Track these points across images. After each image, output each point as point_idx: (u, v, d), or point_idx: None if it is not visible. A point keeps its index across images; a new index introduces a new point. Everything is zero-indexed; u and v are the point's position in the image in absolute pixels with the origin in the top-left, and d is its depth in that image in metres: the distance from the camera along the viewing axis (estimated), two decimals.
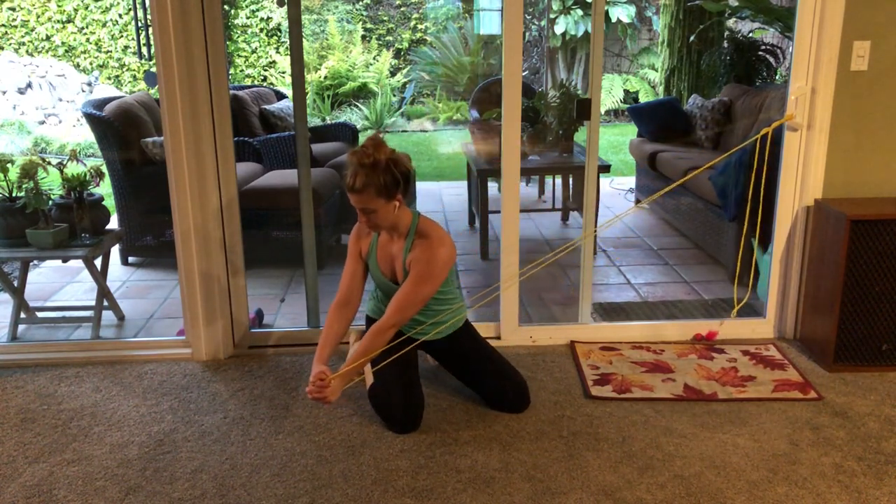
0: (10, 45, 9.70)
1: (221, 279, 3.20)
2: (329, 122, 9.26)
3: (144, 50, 6.78)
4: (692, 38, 6.67)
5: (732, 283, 4.08)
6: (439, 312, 2.76)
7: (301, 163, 3.25)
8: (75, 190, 3.47)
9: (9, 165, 3.46)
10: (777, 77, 6.13)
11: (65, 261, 4.14)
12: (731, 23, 7.11)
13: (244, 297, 3.30)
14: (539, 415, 2.74)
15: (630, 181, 6.33)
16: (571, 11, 9.90)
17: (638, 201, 5.92)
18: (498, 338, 3.35)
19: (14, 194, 3.50)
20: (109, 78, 9.87)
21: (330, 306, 2.78)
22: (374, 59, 10.21)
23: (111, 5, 9.70)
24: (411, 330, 2.75)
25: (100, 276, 3.60)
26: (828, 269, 3.05)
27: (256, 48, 10.07)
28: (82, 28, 9.74)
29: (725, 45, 6.52)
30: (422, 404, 2.68)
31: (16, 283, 3.63)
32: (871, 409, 2.75)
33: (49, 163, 3.49)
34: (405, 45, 10.49)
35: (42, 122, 9.11)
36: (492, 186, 4.79)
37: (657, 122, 5.83)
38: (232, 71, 9.89)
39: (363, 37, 10.36)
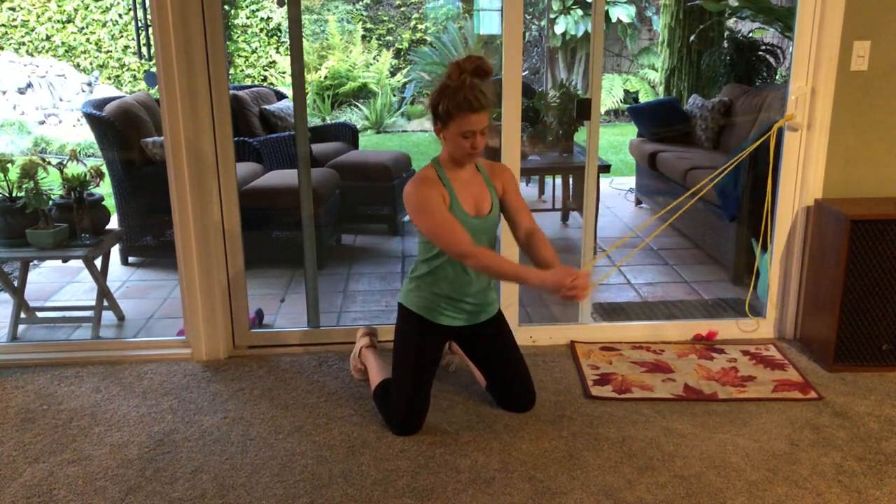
0: (10, 45, 9.70)
1: (221, 279, 3.20)
2: (329, 122, 9.26)
3: (144, 50, 6.78)
4: (692, 38, 6.68)
5: (732, 283, 4.09)
6: (491, 288, 2.75)
7: (301, 163, 3.25)
8: (75, 190, 3.47)
9: (9, 165, 3.46)
10: (777, 77, 6.13)
11: (65, 261, 4.14)
12: (731, 23, 7.11)
13: (244, 297, 3.30)
14: (539, 415, 2.74)
15: (630, 181, 6.33)
16: (571, 11, 9.91)
17: (639, 202, 5.92)
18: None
19: (14, 194, 3.50)
20: (109, 78, 9.88)
21: (471, 251, 2.41)
22: (374, 59, 10.21)
23: (111, 5, 9.70)
24: (474, 303, 2.67)
25: (100, 276, 3.60)
26: (828, 269, 3.05)
27: (256, 48, 10.07)
28: (82, 28, 9.74)
29: (725, 45, 6.52)
30: (425, 411, 2.65)
31: (16, 283, 3.63)
32: (871, 409, 2.75)
33: (49, 163, 3.49)
34: (405, 45, 10.49)
35: (42, 122, 9.11)
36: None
37: (657, 122, 5.83)
38: (232, 71, 9.89)
39: (363, 37, 10.36)
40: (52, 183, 3.53)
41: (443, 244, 2.46)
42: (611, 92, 9.84)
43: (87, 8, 9.70)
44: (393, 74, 10.30)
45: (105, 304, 3.64)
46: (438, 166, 2.57)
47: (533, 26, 10.02)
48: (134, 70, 9.84)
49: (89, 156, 7.32)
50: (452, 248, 2.45)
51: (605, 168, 4.54)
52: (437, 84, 2.50)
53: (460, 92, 2.38)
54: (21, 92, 9.24)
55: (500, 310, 2.82)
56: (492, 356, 2.77)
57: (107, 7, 9.70)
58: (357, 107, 9.82)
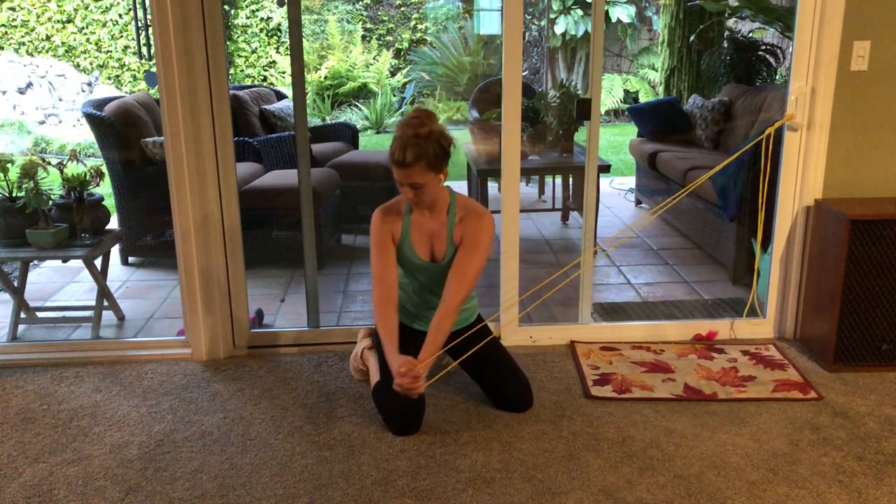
0: (10, 45, 9.70)
1: (221, 279, 3.20)
2: (329, 122, 9.26)
3: (144, 50, 6.78)
4: (692, 38, 6.67)
5: (732, 283, 4.09)
6: (465, 305, 2.75)
7: (301, 163, 3.25)
8: (75, 190, 3.47)
9: (9, 165, 3.46)
10: (777, 77, 6.13)
11: (65, 261, 4.14)
12: (731, 23, 7.10)
13: (244, 297, 3.30)
14: (539, 415, 2.74)
15: (630, 181, 6.33)
16: (571, 11, 9.90)
17: (639, 202, 5.92)
18: (498, 338, 3.34)
19: (14, 194, 3.50)
20: (109, 78, 9.87)
21: (374, 303, 2.63)
22: (374, 59, 10.21)
23: (111, 5, 9.70)
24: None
25: (100, 276, 3.60)
26: (828, 269, 3.05)
27: (256, 48, 10.07)
28: (82, 28, 9.73)
29: (725, 45, 6.51)
30: (423, 410, 2.66)
31: (16, 283, 3.63)
32: (871, 409, 2.75)
33: (49, 163, 3.49)
34: (405, 45, 10.49)
35: (42, 122, 9.11)
36: (492, 186, 4.80)
37: (657, 122, 5.83)
38: (232, 71, 9.89)
39: (363, 37, 10.36)
40: (52, 183, 3.53)
41: (372, 277, 2.66)
42: (611, 92, 9.84)
43: (87, 8, 9.69)
44: (393, 74, 10.29)
45: (105, 304, 3.64)
46: (409, 201, 2.62)
47: (533, 26, 10.01)
48: (134, 70, 9.84)
49: (89, 156, 7.32)
50: (373, 286, 2.65)
51: (605, 168, 4.54)
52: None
53: (394, 143, 2.45)
54: (21, 92, 9.23)
55: (479, 317, 2.86)
56: (477, 362, 2.80)
57: (107, 7, 9.70)
58: (357, 107, 9.81)
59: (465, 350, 2.82)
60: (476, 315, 2.88)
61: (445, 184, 2.63)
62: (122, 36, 9.75)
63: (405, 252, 2.66)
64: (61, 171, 3.48)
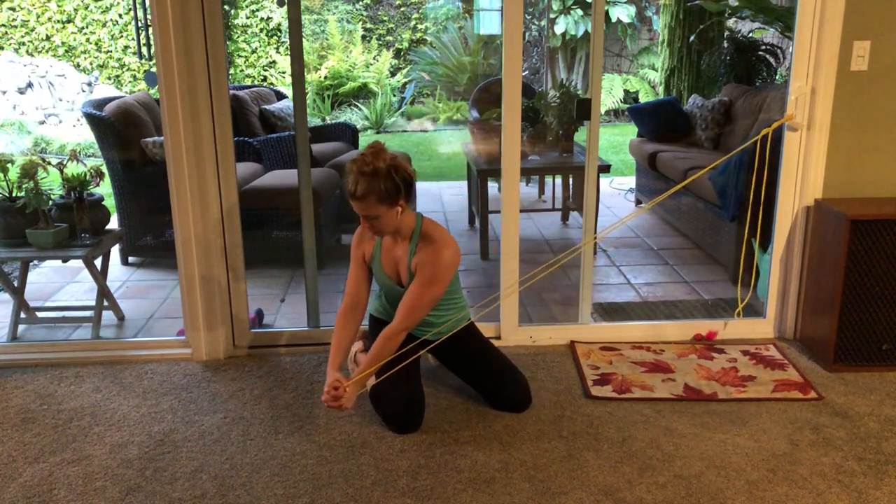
0: (10, 45, 9.70)
1: (221, 279, 3.20)
2: (329, 122, 9.26)
3: (144, 50, 6.78)
4: (692, 38, 6.67)
5: (732, 283, 4.08)
6: (445, 314, 2.77)
7: (301, 163, 3.25)
8: (75, 190, 3.47)
9: (9, 165, 3.46)
10: (777, 77, 6.13)
11: (65, 261, 4.14)
12: (731, 23, 7.10)
13: (244, 297, 3.30)
14: (539, 415, 2.74)
15: (630, 181, 6.33)
16: (571, 11, 9.90)
17: (639, 202, 5.93)
18: (498, 338, 3.35)
19: (14, 194, 3.50)
20: (109, 78, 9.88)
21: (337, 313, 2.77)
22: (374, 59, 10.21)
23: (111, 5, 9.70)
24: (420, 333, 2.76)
25: (100, 276, 3.60)
26: (828, 269, 3.05)
27: (256, 48, 10.07)
28: (82, 28, 9.74)
29: (725, 45, 6.52)
30: (422, 406, 2.68)
31: (16, 283, 3.63)
32: (871, 409, 2.75)
33: (49, 163, 3.49)
34: (405, 45, 10.49)
35: (42, 122, 9.11)
36: (492, 186, 4.80)
37: (657, 122, 5.83)
38: (232, 71, 9.89)
39: (363, 37, 10.36)
40: (52, 183, 3.53)
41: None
42: (611, 92, 9.84)
43: (87, 8, 9.69)
44: (393, 74, 10.30)
45: (105, 304, 3.64)
46: None
47: (533, 26, 10.01)
48: (134, 70, 9.84)
49: (89, 156, 7.32)
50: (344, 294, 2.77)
51: (605, 168, 4.54)
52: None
53: (347, 177, 2.52)
54: (21, 92, 9.24)
55: (467, 328, 2.85)
56: (468, 365, 2.83)
57: (107, 7, 9.70)
58: (357, 107, 9.82)
59: (454, 354, 2.85)
60: (465, 324, 2.86)
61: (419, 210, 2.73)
62: (122, 36, 9.75)
63: (375, 270, 2.76)
64: (61, 171, 3.48)
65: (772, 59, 6.03)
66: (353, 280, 2.77)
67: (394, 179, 2.49)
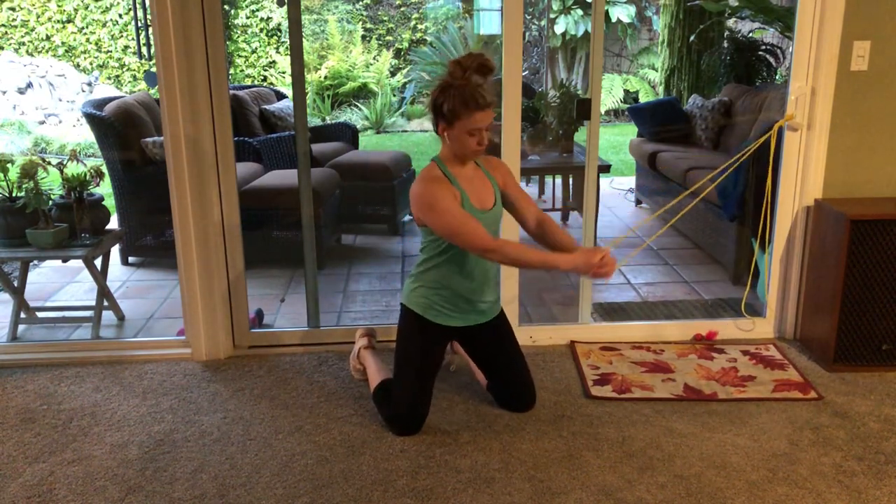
0: (10, 45, 9.70)
1: (221, 279, 3.20)
2: (329, 122, 9.26)
3: (144, 50, 6.78)
4: (692, 38, 6.67)
5: (732, 283, 4.09)
6: (493, 288, 2.73)
7: (301, 163, 3.25)
8: (75, 190, 3.47)
9: (9, 165, 3.46)
10: (777, 77, 6.13)
11: (65, 261, 4.14)
12: (731, 23, 7.11)
13: (244, 297, 3.30)
14: (539, 415, 2.74)
15: (630, 181, 6.33)
16: (571, 11, 9.91)
17: (639, 202, 5.92)
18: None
19: (14, 194, 3.50)
20: (109, 78, 9.88)
21: (494, 243, 2.41)
22: (374, 59, 10.21)
23: (111, 5, 9.70)
24: (488, 302, 2.69)
25: (100, 276, 3.60)
26: (828, 269, 3.05)
27: (256, 48, 10.07)
28: (82, 28, 9.74)
29: (725, 45, 6.52)
30: (425, 412, 2.65)
31: (16, 283, 3.63)
32: (871, 409, 2.75)
33: (49, 163, 3.49)
34: (405, 45, 10.49)
35: (42, 122, 9.11)
36: None
37: (657, 122, 5.83)
38: (232, 71, 9.89)
39: (363, 37, 10.36)
40: (52, 183, 3.53)
41: (463, 242, 2.42)
42: (611, 92, 9.84)
43: (87, 8, 9.70)
44: (393, 74, 10.30)
45: (105, 304, 3.64)
46: (442, 164, 2.55)
47: (533, 26, 10.01)
48: (134, 70, 9.84)
49: (89, 156, 7.32)
50: (475, 245, 2.41)
51: (605, 168, 4.54)
52: (439, 82, 2.49)
53: (466, 90, 2.38)
54: (21, 92, 9.24)
55: (502, 310, 2.81)
56: (493, 357, 2.77)
57: (107, 7, 9.70)
58: (357, 107, 9.82)
59: (485, 337, 2.73)
60: (500, 308, 2.82)
61: None
62: (122, 36, 9.75)
63: (466, 209, 2.50)
64: (61, 171, 3.48)
65: (772, 59, 6.03)
66: (472, 217, 2.44)
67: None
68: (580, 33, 9.86)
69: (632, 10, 9.98)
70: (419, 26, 10.54)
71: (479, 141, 2.45)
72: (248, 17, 10.02)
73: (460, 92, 2.39)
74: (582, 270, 2.45)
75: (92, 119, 4.47)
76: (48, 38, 9.72)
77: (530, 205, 2.69)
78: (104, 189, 3.97)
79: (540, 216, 2.68)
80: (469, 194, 2.53)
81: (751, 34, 7.06)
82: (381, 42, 10.47)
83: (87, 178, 3.50)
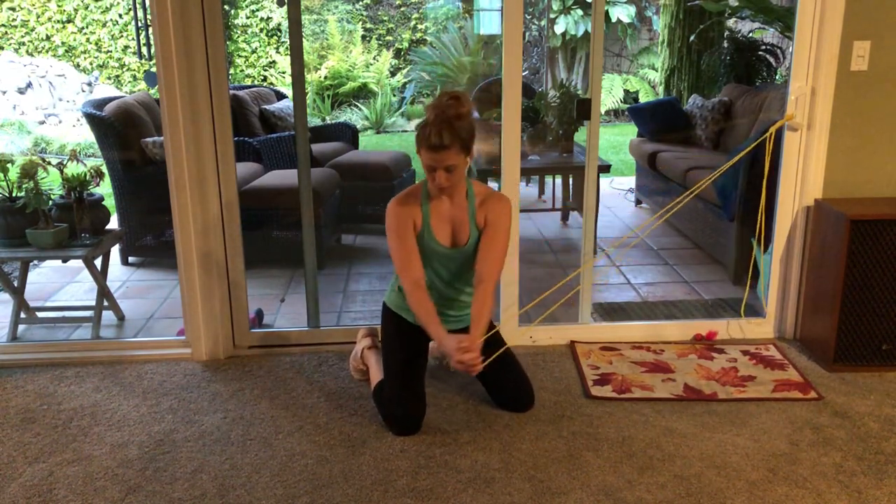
0: (10, 45, 9.70)
1: (221, 279, 3.20)
2: (329, 122, 9.26)
3: (144, 50, 6.78)
4: (692, 38, 6.67)
5: (732, 283, 4.09)
6: (464, 301, 2.74)
7: (301, 163, 3.25)
8: (75, 190, 3.47)
9: (9, 165, 3.46)
10: (777, 77, 6.13)
11: (65, 261, 4.14)
12: (731, 23, 7.11)
13: (244, 297, 3.30)
14: (539, 415, 2.74)
15: (630, 181, 6.33)
16: (571, 11, 9.91)
17: (639, 202, 5.92)
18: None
19: (14, 194, 3.50)
20: (109, 78, 9.88)
21: (407, 289, 2.54)
22: (374, 59, 10.21)
23: (111, 5, 9.70)
24: (455, 315, 2.71)
25: (100, 276, 3.60)
26: (828, 269, 3.05)
27: (256, 48, 10.07)
28: (82, 28, 9.74)
29: (725, 45, 6.52)
30: (423, 410, 2.66)
31: (16, 283, 3.63)
32: (871, 409, 2.75)
33: (49, 163, 3.49)
34: (405, 45, 10.49)
35: (42, 122, 9.11)
36: (492, 186, 4.79)
37: (657, 122, 5.83)
38: (232, 71, 9.89)
39: (363, 37, 10.36)
40: (52, 183, 3.53)
41: (396, 270, 2.62)
42: (611, 92, 9.84)
43: (87, 8, 9.69)
44: (393, 74, 10.30)
45: (105, 304, 3.64)
46: (426, 188, 2.60)
47: (533, 26, 10.02)
48: (134, 70, 9.84)
49: (89, 156, 7.32)
50: (400, 277, 2.59)
51: (605, 168, 4.54)
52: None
53: (427, 128, 2.42)
54: (21, 92, 9.23)
55: (491, 322, 2.82)
56: (489, 365, 2.78)
57: (107, 7, 9.70)
58: (357, 107, 9.82)
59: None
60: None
61: None
62: (122, 36, 9.75)
63: (426, 240, 2.60)
64: (61, 171, 3.48)
65: (772, 59, 6.03)
66: (406, 250, 2.55)
67: (472, 126, 2.43)
68: (580, 33, 9.86)
69: (632, 10, 9.98)
70: (419, 26, 10.54)
71: (434, 178, 2.47)
72: (248, 17, 10.02)
73: (423, 127, 2.44)
74: (445, 352, 2.48)
75: (92, 119, 4.47)
76: (48, 38, 9.72)
77: (487, 261, 2.55)
78: (104, 189, 3.97)
79: (482, 276, 2.54)
80: (434, 226, 2.59)
81: (751, 34, 7.06)
82: (381, 42, 10.47)
83: (87, 178, 3.50)
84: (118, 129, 4.44)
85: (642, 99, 9.75)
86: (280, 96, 6.16)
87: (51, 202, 3.50)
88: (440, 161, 2.42)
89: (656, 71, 9.45)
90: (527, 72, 9.81)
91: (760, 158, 3.33)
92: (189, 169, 3.03)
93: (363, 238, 5.20)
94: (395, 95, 10.09)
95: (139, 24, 6.47)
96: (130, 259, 4.65)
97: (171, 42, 2.89)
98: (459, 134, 2.40)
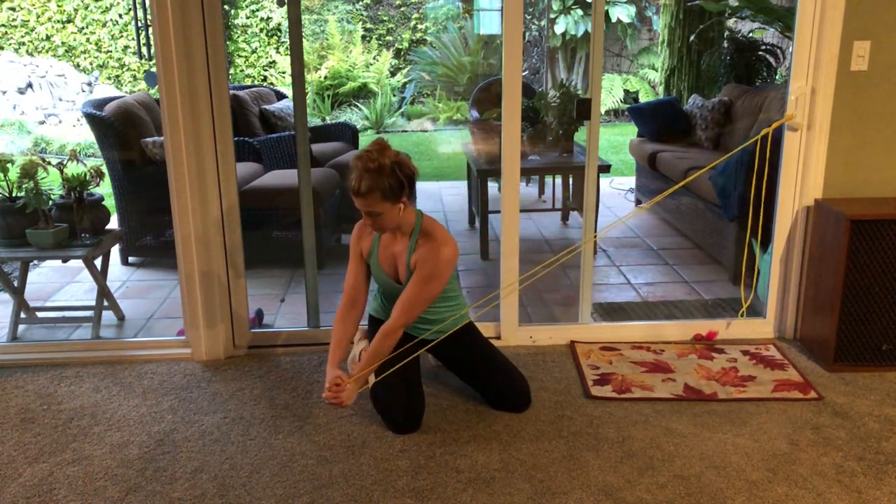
0: (10, 45, 9.70)
1: (221, 279, 3.20)
2: (329, 122, 9.26)
3: (144, 50, 6.78)
4: (692, 38, 6.67)
5: (732, 283, 4.08)
6: (443, 312, 2.77)
7: (301, 163, 3.25)
8: (75, 190, 3.47)
9: (9, 165, 3.46)
10: (777, 77, 6.13)
11: (65, 261, 4.14)
12: (731, 23, 7.10)
13: (244, 297, 3.30)
14: (539, 415, 2.74)
15: (630, 181, 6.33)
16: (571, 11, 9.90)
17: (639, 202, 5.92)
18: (498, 338, 3.35)
19: (14, 194, 3.50)
20: (109, 78, 9.87)
21: (337, 310, 2.78)
22: (374, 59, 10.21)
23: (111, 5, 9.70)
24: (418, 332, 2.75)
25: (100, 276, 3.60)
26: (828, 269, 3.05)
27: (256, 48, 10.07)
28: (82, 28, 9.73)
29: (725, 45, 6.52)
30: (422, 407, 2.68)
31: (16, 283, 3.63)
32: (871, 409, 2.75)
33: (49, 163, 3.49)
34: (405, 45, 10.49)
35: (42, 122, 9.11)
36: (492, 186, 4.79)
37: (657, 122, 5.83)
38: (232, 71, 9.89)
39: (363, 37, 10.36)
40: (52, 183, 3.53)
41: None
42: (611, 92, 9.84)
43: (87, 8, 9.69)
44: (393, 74, 10.29)
45: (105, 304, 3.64)
46: None
47: (533, 26, 10.01)
48: (134, 70, 9.84)
49: (89, 156, 7.32)
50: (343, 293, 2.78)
51: (605, 168, 4.54)
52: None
53: (350, 173, 2.53)
54: (21, 92, 9.23)
55: (469, 321, 2.86)
56: (472, 367, 2.82)
57: (107, 7, 9.70)
58: (357, 107, 9.81)
59: (454, 354, 2.84)
60: (465, 324, 2.86)
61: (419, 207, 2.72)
62: (122, 36, 9.75)
63: (372, 267, 2.77)
64: (61, 171, 3.48)
65: (772, 59, 6.03)
66: (352, 276, 2.78)
67: (398, 176, 2.49)
68: (580, 33, 9.85)
69: (632, 10, 9.98)
70: (419, 26, 10.53)
71: (367, 220, 2.59)
72: (248, 17, 10.02)
73: (350, 171, 2.55)
74: (326, 380, 2.61)
75: (92, 119, 4.47)
76: (48, 38, 9.72)
77: (398, 306, 2.61)
78: (104, 189, 3.97)
79: (389, 321, 2.62)
80: (381, 256, 2.74)
81: (751, 34, 7.06)
82: (381, 42, 10.46)
83: (87, 178, 3.50)
84: (118, 129, 4.44)
85: (642, 99, 9.75)
86: (280, 96, 6.16)
87: (51, 202, 3.50)
88: (361, 206, 2.54)
89: (656, 71, 9.45)
90: (527, 72, 9.81)
91: (761, 158, 3.33)
92: (189, 169, 3.03)
93: None
94: (395, 95, 10.09)
95: (139, 24, 6.47)
96: (130, 259, 4.65)
97: (171, 42, 2.89)
98: (377, 184, 2.47)
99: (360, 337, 3.09)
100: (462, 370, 2.86)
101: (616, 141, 8.68)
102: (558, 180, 5.68)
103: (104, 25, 9.73)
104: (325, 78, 9.86)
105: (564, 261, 3.16)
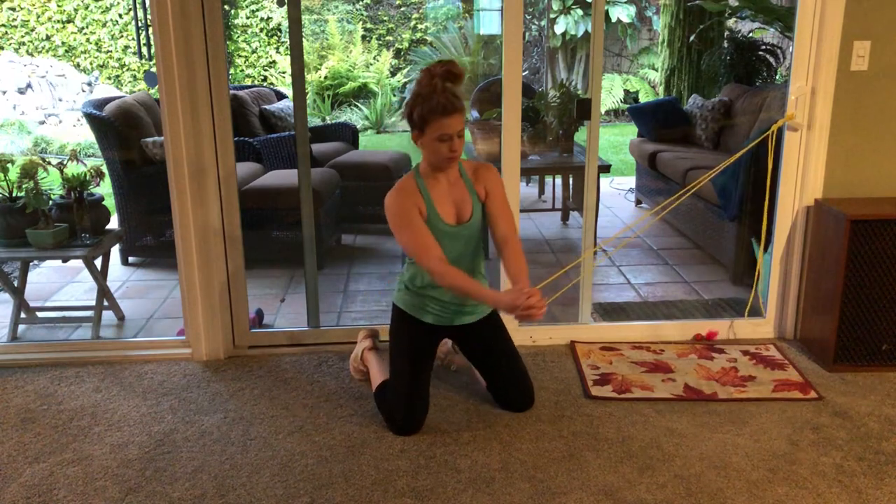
0: (10, 45, 9.70)
1: (221, 279, 3.21)
2: (329, 122, 9.26)
3: (144, 50, 6.78)
4: (692, 38, 6.67)
5: (732, 283, 4.09)
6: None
7: (301, 163, 3.25)
8: (75, 190, 3.47)
9: (9, 165, 3.46)
10: (777, 77, 6.13)
11: (65, 261, 4.14)
12: (731, 23, 7.10)
13: (244, 297, 3.29)
14: (539, 415, 2.74)
15: (630, 181, 6.33)
16: (571, 11, 9.91)
17: (639, 202, 5.92)
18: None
19: (14, 194, 3.50)
20: (109, 78, 9.87)
21: (437, 266, 2.46)
22: (374, 59, 10.21)
23: (111, 5, 9.70)
24: (471, 308, 2.70)
25: (100, 276, 3.60)
26: (828, 269, 3.05)
27: (256, 48, 10.07)
28: (82, 28, 9.74)
29: (725, 45, 6.52)
30: (425, 412, 2.66)
31: (16, 283, 3.63)
32: (871, 409, 2.75)
33: (49, 163, 3.49)
34: (405, 45, 10.49)
35: (42, 122, 9.11)
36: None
37: (657, 122, 5.83)
38: (232, 71, 9.89)
39: (363, 37, 10.36)
40: (52, 183, 3.53)
41: (416, 258, 2.53)
42: (611, 92, 9.84)
43: (87, 8, 9.69)
44: (393, 74, 10.29)
45: (105, 304, 3.64)
46: (418, 175, 2.60)
47: (533, 26, 10.01)
48: (134, 70, 9.84)
49: (89, 156, 7.32)
50: (424, 263, 2.50)
51: (605, 168, 4.54)
52: (411, 92, 2.52)
53: (433, 97, 2.41)
54: (21, 92, 9.24)
55: (495, 311, 2.81)
56: (488, 356, 2.78)
57: (107, 7, 9.70)
58: (357, 107, 9.81)
59: (480, 340, 2.77)
60: (492, 310, 2.81)
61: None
62: (122, 36, 9.75)
63: (433, 223, 2.55)
64: (61, 171, 3.48)
65: (772, 59, 6.03)
66: (420, 233, 2.50)
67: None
68: (580, 33, 9.86)
69: (632, 10, 9.98)
70: (419, 26, 10.53)
71: (451, 147, 2.47)
72: (248, 17, 10.02)
73: (428, 98, 2.43)
74: (505, 310, 2.45)
75: (92, 119, 4.47)
76: (48, 38, 9.72)
77: (501, 223, 2.61)
78: (104, 189, 3.97)
79: (505, 237, 2.60)
80: (439, 209, 2.57)
81: (751, 34, 7.06)
82: (381, 42, 10.46)
83: (87, 178, 3.50)
84: (118, 129, 4.44)
85: (642, 99, 9.75)
86: (280, 96, 6.16)
87: (51, 202, 3.50)
88: (456, 125, 2.43)
89: (656, 71, 9.46)
90: (527, 72, 9.80)
91: (761, 158, 3.33)
92: (189, 169, 3.03)
93: (363, 238, 5.20)
94: (395, 95, 10.08)
95: (139, 24, 6.48)
96: (130, 259, 4.65)
97: (171, 42, 2.89)
98: (462, 96, 2.42)
99: (363, 336, 3.09)
100: (479, 357, 2.79)
101: (616, 141, 8.68)
102: (558, 180, 5.68)
103: (104, 25, 9.74)
104: (325, 78, 9.86)
105: (562, 258, 3.15)
